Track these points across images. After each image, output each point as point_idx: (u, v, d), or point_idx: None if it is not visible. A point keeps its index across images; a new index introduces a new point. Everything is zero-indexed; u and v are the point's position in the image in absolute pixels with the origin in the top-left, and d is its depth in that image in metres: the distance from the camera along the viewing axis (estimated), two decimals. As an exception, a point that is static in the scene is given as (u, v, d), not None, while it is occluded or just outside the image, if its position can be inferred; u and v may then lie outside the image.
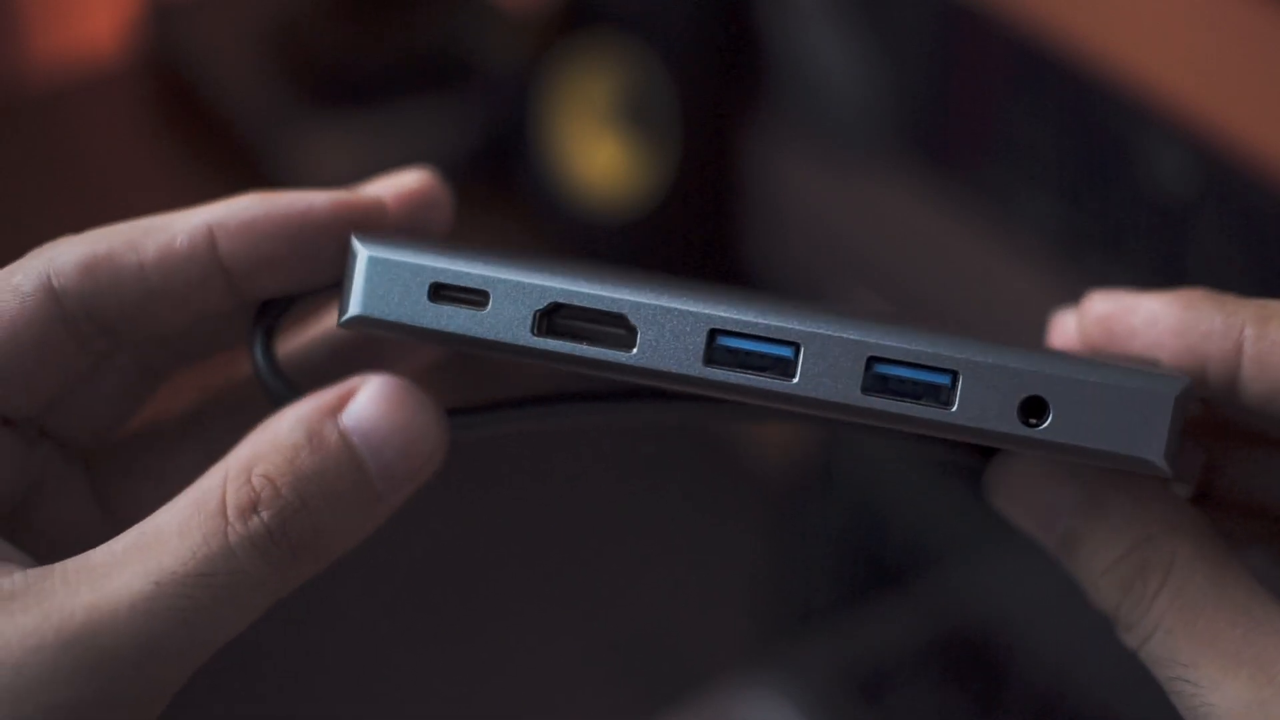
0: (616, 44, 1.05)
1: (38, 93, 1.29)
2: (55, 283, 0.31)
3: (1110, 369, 0.29)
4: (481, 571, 1.01)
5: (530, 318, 0.30)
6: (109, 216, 0.32)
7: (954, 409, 0.29)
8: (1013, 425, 0.29)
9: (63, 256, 0.31)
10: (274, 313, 0.33)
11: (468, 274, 0.30)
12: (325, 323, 0.36)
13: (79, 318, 0.31)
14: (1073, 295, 0.36)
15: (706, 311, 0.29)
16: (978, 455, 0.34)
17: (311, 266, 0.32)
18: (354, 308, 0.31)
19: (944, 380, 0.29)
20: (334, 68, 1.21)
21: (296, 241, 0.32)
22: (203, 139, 1.23)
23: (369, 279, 0.30)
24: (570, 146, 1.10)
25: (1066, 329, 0.35)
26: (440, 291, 0.30)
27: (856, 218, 0.93)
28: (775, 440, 1.02)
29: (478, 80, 1.19)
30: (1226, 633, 0.29)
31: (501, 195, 1.18)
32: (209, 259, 0.31)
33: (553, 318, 0.30)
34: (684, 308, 0.29)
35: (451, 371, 0.41)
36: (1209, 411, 0.35)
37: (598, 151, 1.09)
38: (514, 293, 0.30)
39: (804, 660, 0.87)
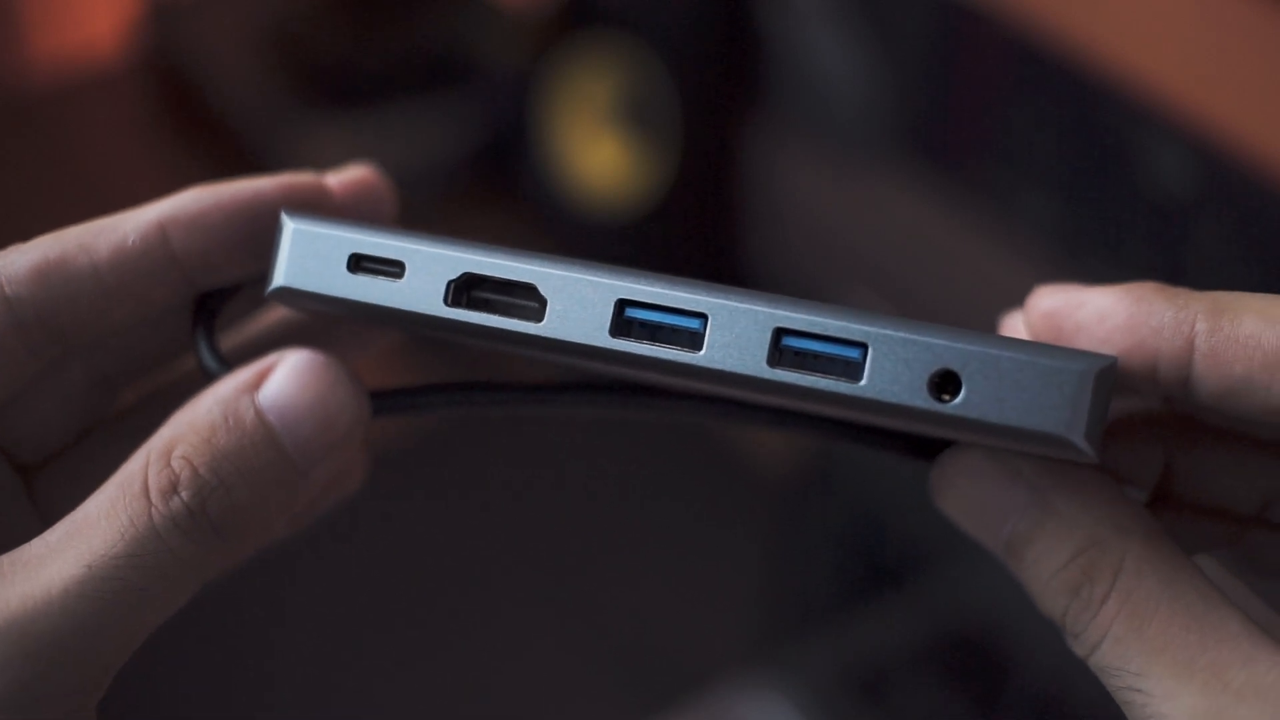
0: (616, 44, 1.05)
1: (38, 93, 1.29)
2: (8, 290, 0.31)
3: (1028, 345, 0.28)
4: (481, 572, 1.01)
5: (444, 288, 0.30)
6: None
7: (863, 382, 0.28)
8: (924, 400, 0.28)
9: (15, 264, 0.31)
10: (216, 300, 0.33)
11: (385, 244, 0.31)
12: (273, 316, 0.36)
13: (31, 324, 0.31)
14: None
15: (615, 282, 0.30)
16: (922, 458, 0.33)
17: (263, 253, 0.33)
18: (278, 279, 0.31)
19: (853, 354, 0.29)
20: (334, 68, 1.21)
21: (248, 228, 0.32)
22: (203, 139, 1.23)
23: (293, 250, 0.31)
24: (570, 146, 1.10)
25: (1015, 330, 0.34)
26: (359, 262, 0.31)
27: (856, 218, 0.93)
28: (776, 440, 1.02)
29: (478, 80, 1.19)
30: (1179, 639, 0.28)
31: (501, 195, 1.18)
32: (162, 254, 0.32)
33: (468, 291, 0.31)
34: (593, 278, 0.30)
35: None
36: (1166, 409, 0.34)
37: (598, 151, 1.09)
38: (429, 263, 0.31)
39: (804, 660, 0.87)
